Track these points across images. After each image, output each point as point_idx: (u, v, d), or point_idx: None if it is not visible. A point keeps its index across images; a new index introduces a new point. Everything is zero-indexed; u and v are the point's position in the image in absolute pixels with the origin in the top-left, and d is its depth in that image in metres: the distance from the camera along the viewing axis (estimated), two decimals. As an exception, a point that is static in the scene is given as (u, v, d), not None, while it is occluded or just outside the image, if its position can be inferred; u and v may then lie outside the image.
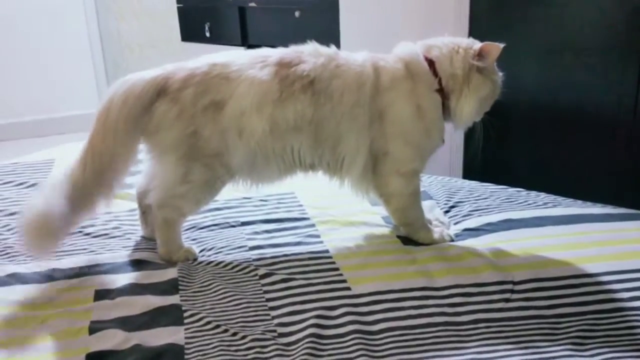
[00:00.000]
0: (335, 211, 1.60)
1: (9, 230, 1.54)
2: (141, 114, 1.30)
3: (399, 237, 1.46)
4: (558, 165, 2.03)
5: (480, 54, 1.37)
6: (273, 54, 1.36)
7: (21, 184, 1.86)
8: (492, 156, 2.14)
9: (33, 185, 1.84)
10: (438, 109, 1.39)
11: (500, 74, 1.43)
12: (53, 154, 2.13)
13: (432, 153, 1.45)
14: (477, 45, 1.38)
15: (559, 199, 1.66)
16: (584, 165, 1.96)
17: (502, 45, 1.35)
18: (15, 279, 1.30)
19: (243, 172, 1.38)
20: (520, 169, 2.13)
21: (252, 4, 3.24)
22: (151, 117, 1.31)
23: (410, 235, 1.45)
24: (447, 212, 1.61)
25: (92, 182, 1.30)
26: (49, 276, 1.31)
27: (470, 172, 2.21)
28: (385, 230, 1.50)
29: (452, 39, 1.42)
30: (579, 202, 1.64)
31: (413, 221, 1.45)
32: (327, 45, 1.41)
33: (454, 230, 1.49)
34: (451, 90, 1.39)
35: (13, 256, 1.41)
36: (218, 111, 1.30)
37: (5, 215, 1.63)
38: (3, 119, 4.19)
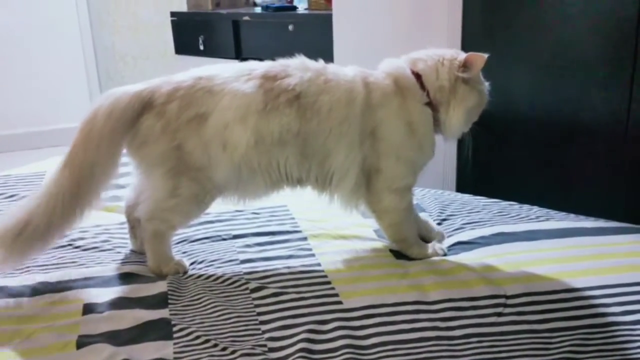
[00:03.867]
0: (327, 224, 1.59)
1: (-3, 243, 1.53)
2: (126, 128, 1.29)
3: (391, 250, 1.45)
4: (551, 178, 2.03)
5: (465, 65, 1.37)
6: (259, 67, 1.35)
7: (11, 196, 1.84)
8: (485, 169, 2.14)
9: (24, 198, 1.82)
10: (429, 122, 1.39)
11: (487, 83, 1.43)
12: (44, 166, 2.12)
13: (423, 167, 1.45)
14: (461, 56, 1.38)
15: (552, 212, 1.66)
16: (576, 178, 1.96)
17: (486, 56, 1.35)
18: (2, 292, 1.29)
19: (229, 186, 1.36)
20: (512, 182, 2.13)
21: (246, 18, 3.25)
22: (137, 131, 1.30)
23: (404, 251, 1.44)
24: (439, 224, 1.60)
25: (69, 195, 1.28)
26: (37, 289, 1.30)
27: (463, 185, 2.21)
28: (378, 243, 1.49)
29: (436, 50, 1.41)
30: (572, 215, 1.64)
31: (406, 236, 1.44)
32: (316, 59, 1.40)
33: (446, 243, 1.49)
34: (439, 102, 1.38)
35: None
36: (202, 124, 1.29)
37: (-5, 228, 1.62)
38: (-4, 132, 4.18)
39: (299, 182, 1.41)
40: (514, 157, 2.12)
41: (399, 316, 1.18)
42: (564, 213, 1.65)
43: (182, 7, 3.78)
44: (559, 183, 2.00)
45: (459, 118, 1.38)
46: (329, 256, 1.42)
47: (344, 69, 1.40)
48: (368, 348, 1.10)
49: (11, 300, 1.26)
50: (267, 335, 1.13)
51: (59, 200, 1.27)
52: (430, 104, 1.38)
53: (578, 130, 1.93)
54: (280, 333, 1.14)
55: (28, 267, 1.39)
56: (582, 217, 1.63)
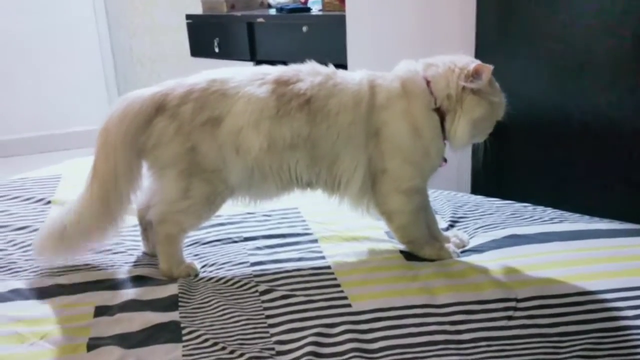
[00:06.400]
0: (338, 226, 1.59)
1: (14, 245, 1.55)
2: (140, 130, 1.31)
3: (401, 252, 1.44)
4: (565, 180, 2.01)
5: (473, 75, 1.33)
6: (272, 71, 1.36)
7: (28, 199, 1.87)
8: (500, 170, 2.12)
9: (40, 200, 1.85)
10: (436, 128, 1.37)
11: (503, 94, 1.39)
12: (60, 169, 2.15)
13: (432, 172, 1.43)
14: (471, 65, 1.34)
15: (566, 214, 1.64)
16: (591, 179, 1.94)
17: (492, 67, 1.32)
18: (17, 294, 1.31)
19: (241, 188, 1.38)
20: (527, 184, 2.11)
21: (261, 20, 3.26)
22: (150, 133, 1.32)
23: (415, 252, 1.43)
24: (451, 226, 1.59)
25: (98, 211, 1.34)
26: (50, 292, 1.31)
27: (478, 187, 2.19)
28: (388, 245, 1.49)
29: (452, 57, 1.39)
30: (586, 217, 1.61)
31: (416, 238, 1.44)
32: (327, 63, 1.41)
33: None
34: (447, 110, 1.36)
35: (16, 272, 1.41)
36: (216, 127, 1.31)
37: (11, 231, 1.64)
38: (16, 134, 4.24)
39: (309, 185, 1.41)
40: (528, 159, 2.10)
41: (408, 319, 1.17)
42: (578, 215, 1.63)
43: (198, 10, 3.80)
44: (573, 184, 1.98)
45: (463, 128, 1.35)
46: (339, 258, 1.42)
47: (353, 73, 1.41)
48: (376, 352, 1.09)
49: (26, 303, 1.28)
50: (275, 339, 1.13)
51: (89, 218, 1.35)
52: (438, 110, 1.37)
53: (594, 131, 1.90)
54: (288, 336, 1.14)
55: (41, 269, 1.42)
56: (596, 218, 1.60)
